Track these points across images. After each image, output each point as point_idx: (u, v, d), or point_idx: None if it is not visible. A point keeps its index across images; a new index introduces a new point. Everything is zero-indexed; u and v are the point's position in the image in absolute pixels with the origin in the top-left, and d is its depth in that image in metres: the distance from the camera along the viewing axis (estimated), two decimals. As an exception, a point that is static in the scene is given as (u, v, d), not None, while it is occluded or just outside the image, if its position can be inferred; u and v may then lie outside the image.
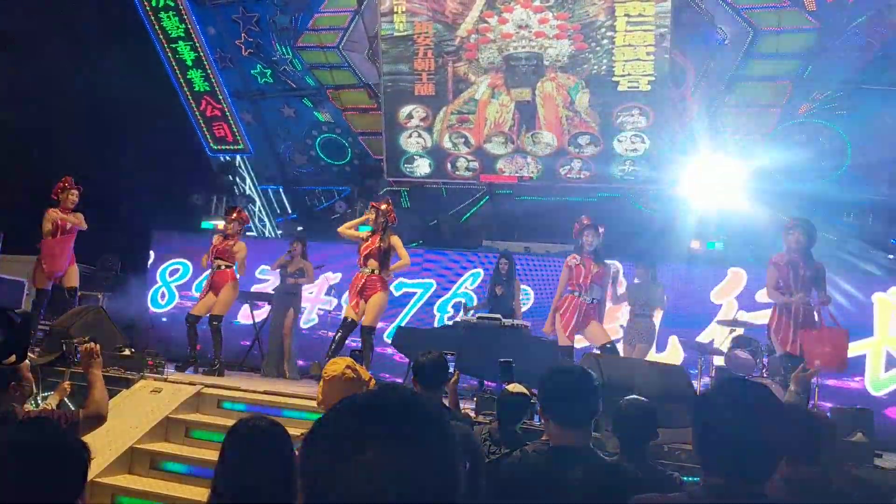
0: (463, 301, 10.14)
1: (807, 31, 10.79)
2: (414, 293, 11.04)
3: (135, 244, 12.80)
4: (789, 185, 11.42)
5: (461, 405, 5.60)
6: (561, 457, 2.57)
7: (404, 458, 0.99)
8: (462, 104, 11.98)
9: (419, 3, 11.48)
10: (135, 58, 13.13)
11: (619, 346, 8.91)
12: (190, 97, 13.60)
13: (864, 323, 8.98)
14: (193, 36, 13.08)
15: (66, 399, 5.73)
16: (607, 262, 7.78)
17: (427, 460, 1.01)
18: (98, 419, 3.73)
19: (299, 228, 13.62)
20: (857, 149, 11.04)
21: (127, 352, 7.88)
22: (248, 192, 14.02)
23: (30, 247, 11.91)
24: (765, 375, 8.02)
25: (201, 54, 13.21)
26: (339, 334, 8.01)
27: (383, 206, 8.26)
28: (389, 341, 10.55)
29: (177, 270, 12.23)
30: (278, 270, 10.36)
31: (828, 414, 7.08)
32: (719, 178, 11.41)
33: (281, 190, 14.40)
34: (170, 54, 13.29)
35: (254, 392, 7.21)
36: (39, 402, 5.86)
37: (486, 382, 8.44)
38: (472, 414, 6.03)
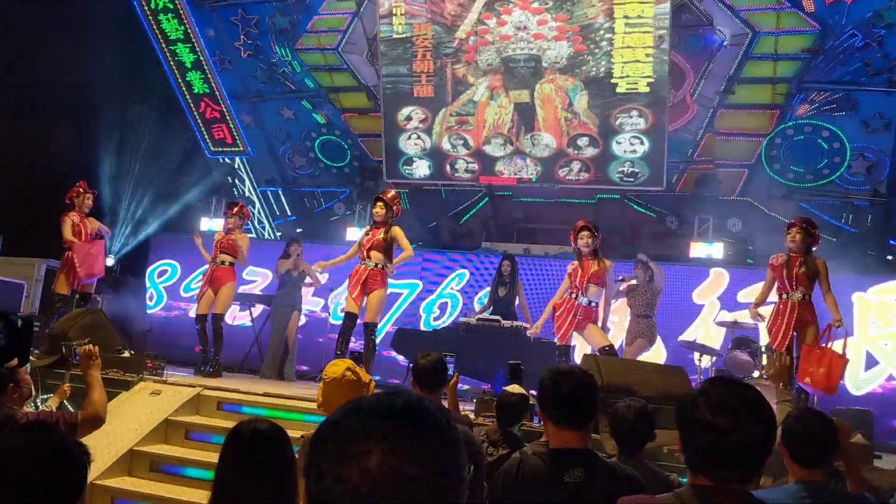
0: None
1: (805, 32, 10.81)
2: (400, 294, 11.09)
3: (134, 246, 12.83)
4: (788, 186, 11.46)
5: (461, 407, 5.60)
6: (560, 459, 2.56)
7: (409, 463, 0.99)
8: (461, 106, 11.99)
9: (418, 6, 11.49)
10: (134, 59, 13.14)
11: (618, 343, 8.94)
12: (189, 99, 13.60)
13: (845, 322, 8.99)
14: (192, 38, 13.09)
15: (65, 401, 5.73)
16: (605, 260, 7.71)
17: (432, 464, 1.01)
18: (97, 421, 3.73)
19: (298, 230, 13.63)
20: (856, 150, 11.05)
21: (126, 354, 7.87)
22: (247, 193, 14.03)
23: (29, 249, 11.93)
24: (764, 376, 8.01)
25: (200, 56, 13.22)
26: (344, 330, 7.97)
27: (390, 195, 8.20)
28: (377, 340, 10.63)
29: (165, 272, 12.24)
30: (279, 273, 10.36)
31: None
32: (718, 180, 11.45)
33: (280, 192, 14.41)
34: (169, 56, 13.30)
35: (254, 394, 7.21)
36: (39, 404, 5.85)
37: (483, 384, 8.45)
38: (472, 416, 6.02)
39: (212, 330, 8.88)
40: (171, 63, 13.34)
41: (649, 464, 3.57)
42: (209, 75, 13.34)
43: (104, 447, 6.16)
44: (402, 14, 11.57)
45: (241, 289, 11.05)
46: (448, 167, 12.45)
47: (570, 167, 11.85)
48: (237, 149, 13.84)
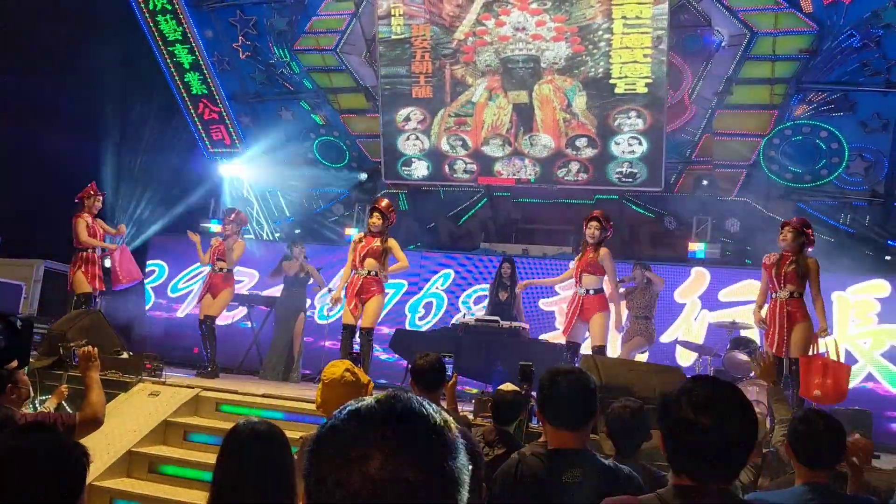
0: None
1: (803, 32, 10.82)
2: (386, 293, 11.08)
3: (133, 248, 12.79)
4: (786, 186, 11.46)
5: (460, 407, 5.60)
6: (558, 459, 2.57)
7: (409, 467, 0.99)
8: (460, 107, 11.99)
9: (416, 6, 11.50)
10: (132, 60, 13.14)
11: (619, 344, 8.93)
12: (187, 100, 13.60)
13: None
14: (191, 39, 13.09)
15: (63, 402, 5.73)
16: (602, 250, 7.65)
17: (432, 468, 1.01)
18: (95, 422, 3.72)
19: (297, 231, 13.63)
20: (854, 150, 11.06)
21: (125, 355, 7.86)
22: (245, 195, 14.01)
23: (27, 250, 11.92)
24: (751, 375, 8.05)
25: (199, 57, 13.22)
26: (344, 341, 7.95)
27: (384, 203, 8.19)
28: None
29: (153, 272, 12.25)
30: (286, 275, 10.37)
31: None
32: (716, 181, 11.45)
33: (278, 192, 14.40)
34: (167, 57, 13.29)
35: (252, 395, 7.21)
36: (37, 405, 5.85)
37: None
38: (471, 416, 6.02)
39: (206, 331, 8.92)
40: (170, 64, 13.34)
41: (646, 464, 3.56)
42: (207, 76, 13.34)
43: (103, 448, 6.16)
44: (400, 15, 11.57)
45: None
46: (447, 168, 12.45)
47: (569, 168, 11.86)
48: (236, 150, 13.84)
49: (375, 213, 7.96)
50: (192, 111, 13.67)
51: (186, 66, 13.31)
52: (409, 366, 5.65)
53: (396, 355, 9.88)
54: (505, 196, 13.01)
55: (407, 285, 11.10)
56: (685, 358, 9.66)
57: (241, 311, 11.31)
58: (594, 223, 7.62)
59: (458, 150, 12.28)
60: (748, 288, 9.72)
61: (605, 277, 7.64)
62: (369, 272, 7.87)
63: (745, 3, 10.84)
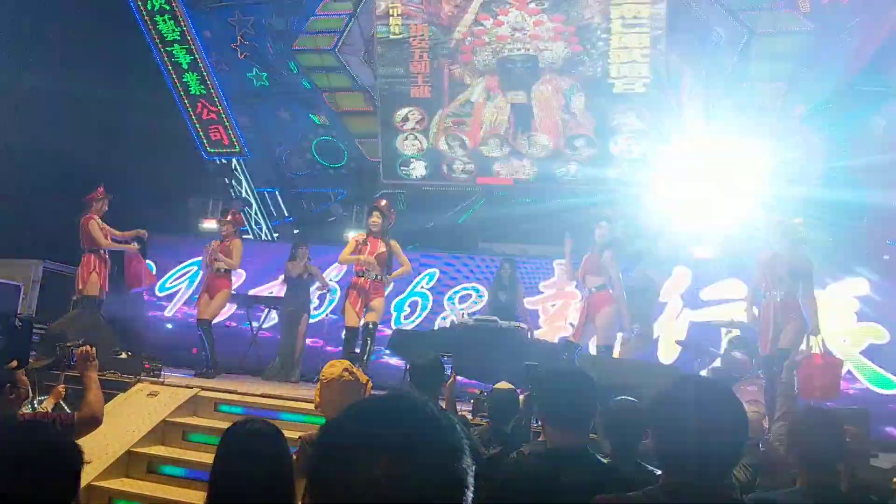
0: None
1: (802, 33, 10.82)
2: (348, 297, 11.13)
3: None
4: (784, 187, 11.45)
5: (458, 407, 5.60)
6: (557, 459, 2.57)
7: (415, 470, 0.99)
8: (458, 107, 11.98)
9: (414, 6, 11.49)
10: (130, 61, 13.13)
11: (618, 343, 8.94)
12: (186, 100, 13.59)
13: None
14: (189, 39, 13.07)
15: (61, 402, 5.72)
16: (607, 252, 7.64)
17: (437, 471, 1.01)
18: (93, 422, 3.73)
19: (296, 231, 13.63)
20: (852, 151, 11.05)
21: (123, 355, 7.86)
22: (244, 195, 14.00)
23: (26, 251, 11.91)
24: (760, 376, 8.01)
25: (197, 57, 13.20)
26: (347, 343, 7.94)
27: (383, 203, 8.18)
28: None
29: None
30: (283, 275, 10.39)
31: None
32: (715, 180, 11.44)
33: (277, 193, 14.40)
34: (165, 58, 13.28)
35: (251, 395, 7.21)
36: (35, 405, 5.84)
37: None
38: (469, 416, 6.03)
39: (203, 332, 8.93)
40: (168, 64, 13.33)
41: (644, 463, 3.57)
42: (206, 76, 13.32)
43: (101, 448, 6.16)
44: (398, 15, 11.57)
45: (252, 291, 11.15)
46: (445, 168, 12.45)
47: (567, 168, 11.86)
48: (234, 150, 13.83)
49: (375, 213, 7.95)
50: (191, 111, 13.66)
51: (185, 66, 13.30)
52: (408, 365, 5.66)
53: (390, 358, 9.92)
54: (503, 196, 13.00)
55: (392, 284, 11.13)
56: (667, 356, 9.65)
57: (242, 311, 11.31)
58: (603, 223, 7.63)
59: (457, 150, 12.28)
60: (730, 287, 9.76)
61: (610, 277, 7.64)
62: (376, 276, 7.84)
63: (744, 3, 10.84)
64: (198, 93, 13.48)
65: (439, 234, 12.92)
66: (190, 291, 12.09)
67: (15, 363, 3.51)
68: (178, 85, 13.46)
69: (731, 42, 11.07)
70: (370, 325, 7.91)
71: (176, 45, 13.15)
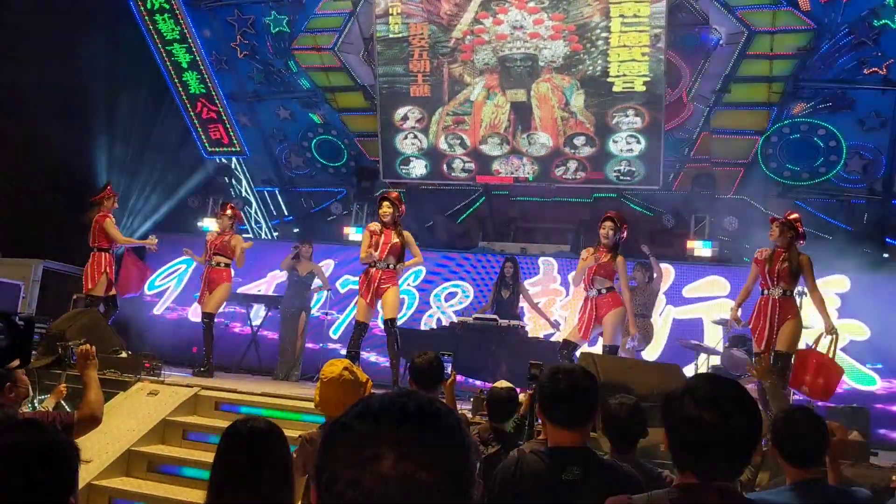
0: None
1: (801, 30, 10.83)
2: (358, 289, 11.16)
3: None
4: (785, 184, 11.47)
5: (459, 406, 5.60)
6: (558, 457, 2.56)
7: (422, 468, 0.99)
8: (458, 105, 11.98)
9: (414, 5, 11.49)
10: (130, 60, 13.12)
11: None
12: (185, 100, 13.59)
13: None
14: (189, 38, 13.08)
15: (62, 401, 5.73)
16: (619, 258, 7.57)
17: (444, 468, 1.01)
18: (93, 421, 3.72)
19: (295, 230, 13.63)
20: (852, 148, 11.07)
21: (123, 354, 7.87)
22: (244, 194, 14.01)
23: (25, 250, 11.90)
24: (747, 375, 8.03)
25: (197, 57, 13.21)
26: (355, 338, 7.90)
27: (394, 194, 8.15)
28: (335, 337, 10.71)
29: None
30: (286, 273, 10.40)
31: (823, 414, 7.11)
32: (714, 179, 11.45)
33: (277, 192, 14.40)
34: (165, 57, 13.28)
35: (251, 394, 7.21)
36: (36, 404, 5.85)
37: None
38: (470, 415, 6.03)
39: (203, 328, 8.92)
40: (168, 63, 13.33)
41: (643, 461, 3.57)
42: (206, 75, 13.33)
43: (102, 447, 6.17)
44: (398, 14, 11.57)
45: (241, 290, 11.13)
46: (445, 167, 12.45)
47: (567, 166, 11.86)
48: (234, 149, 13.83)
49: (385, 203, 7.88)
50: (191, 110, 13.66)
51: (184, 65, 13.30)
52: (408, 364, 5.66)
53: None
54: (503, 195, 13.01)
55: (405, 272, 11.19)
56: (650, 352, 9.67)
57: (254, 308, 11.33)
58: (608, 223, 7.48)
59: (457, 149, 12.28)
60: (712, 284, 9.77)
61: (617, 281, 7.58)
62: (388, 265, 7.81)
63: (743, 1, 10.84)
64: (197, 92, 13.48)
65: (438, 234, 12.93)
66: (178, 290, 12.11)
67: (17, 362, 3.50)
68: (178, 84, 13.46)
69: (731, 40, 11.08)
70: (389, 323, 7.80)
71: (175, 45, 13.15)
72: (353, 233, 12.66)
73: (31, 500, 1.79)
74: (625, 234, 7.62)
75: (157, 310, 12.09)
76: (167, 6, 12.83)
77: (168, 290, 12.16)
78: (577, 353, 7.46)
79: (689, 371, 7.82)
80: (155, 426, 6.67)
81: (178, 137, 13.88)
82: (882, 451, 6.94)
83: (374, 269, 7.79)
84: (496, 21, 11.26)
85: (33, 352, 7.09)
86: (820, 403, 7.17)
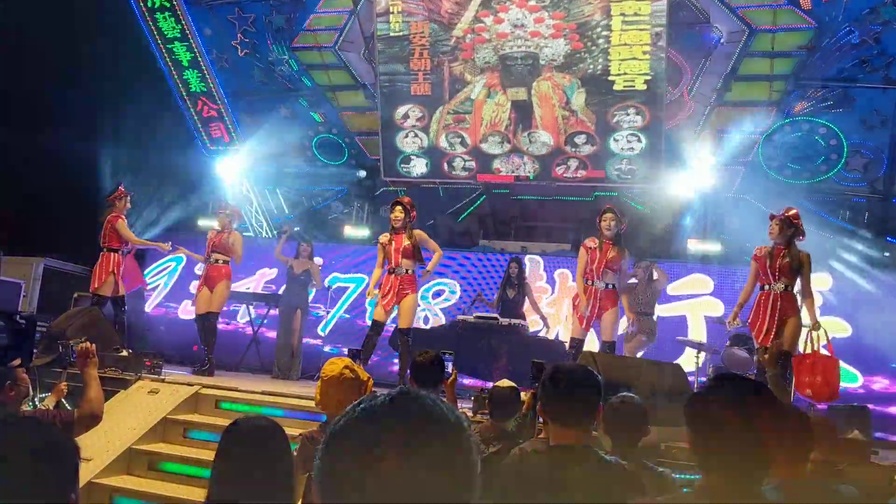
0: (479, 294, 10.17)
1: (802, 29, 10.82)
2: (347, 287, 11.29)
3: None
4: (785, 183, 11.46)
5: (459, 405, 5.60)
6: (559, 455, 2.56)
7: (425, 469, 0.99)
8: (458, 104, 11.98)
9: (415, 4, 11.48)
10: (131, 58, 13.12)
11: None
12: (186, 98, 13.59)
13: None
14: (189, 36, 13.07)
15: (63, 400, 5.73)
16: (625, 249, 7.66)
17: (447, 469, 1.00)
18: (93, 419, 3.72)
19: (296, 229, 13.62)
20: (853, 147, 11.06)
21: (124, 353, 7.87)
22: (245, 192, 14.00)
23: (26, 248, 11.91)
24: (752, 370, 8.04)
25: (197, 55, 13.20)
26: (369, 338, 7.88)
27: (407, 199, 8.12)
28: (324, 335, 10.71)
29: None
30: (275, 272, 10.43)
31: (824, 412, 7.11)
32: (716, 177, 11.44)
33: (278, 190, 14.39)
34: (166, 55, 13.28)
35: (252, 392, 7.21)
36: (37, 403, 5.85)
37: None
38: (470, 413, 6.03)
39: (206, 328, 8.91)
40: (168, 61, 13.33)
41: (644, 460, 3.56)
42: (206, 74, 13.32)
43: (103, 446, 6.17)
44: (398, 12, 11.57)
45: (194, 284, 11.20)
46: (445, 165, 12.45)
47: (568, 165, 11.86)
48: (235, 147, 13.82)
49: (398, 207, 7.86)
50: (191, 109, 13.66)
51: (185, 63, 13.30)
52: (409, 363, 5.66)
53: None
54: (504, 193, 13.01)
55: (367, 279, 11.19)
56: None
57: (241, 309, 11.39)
58: (609, 214, 7.58)
59: (457, 148, 12.28)
60: (695, 282, 9.78)
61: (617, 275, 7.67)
62: (406, 271, 7.79)
63: (744, 0, 10.84)
64: (198, 90, 13.48)
65: (439, 233, 12.92)
66: (168, 288, 12.11)
67: (18, 361, 3.51)
68: (179, 82, 13.46)
69: (732, 38, 11.07)
70: (403, 333, 7.77)
71: (176, 43, 13.15)
72: (353, 231, 12.68)
73: (31, 499, 1.79)
74: (624, 227, 7.70)
75: (148, 307, 12.11)
76: (168, 4, 12.82)
77: (158, 287, 12.19)
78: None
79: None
80: (155, 424, 6.66)
81: (179, 136, 13.87)
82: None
83: (394, 275, 7.76)
84: (497, 19, 11.25)
85: (34, 350, 7.10)
86: (822, 407, 7.17)
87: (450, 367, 4.92)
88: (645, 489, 2.55)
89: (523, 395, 4.66)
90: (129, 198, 9.02)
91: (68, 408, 5.18)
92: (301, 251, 10.30)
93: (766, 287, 6.85)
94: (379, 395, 1.09)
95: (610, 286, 7.53)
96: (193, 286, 11.75)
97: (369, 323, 10.64)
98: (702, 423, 1.90)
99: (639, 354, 8.73)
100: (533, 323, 9.96)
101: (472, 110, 11.96)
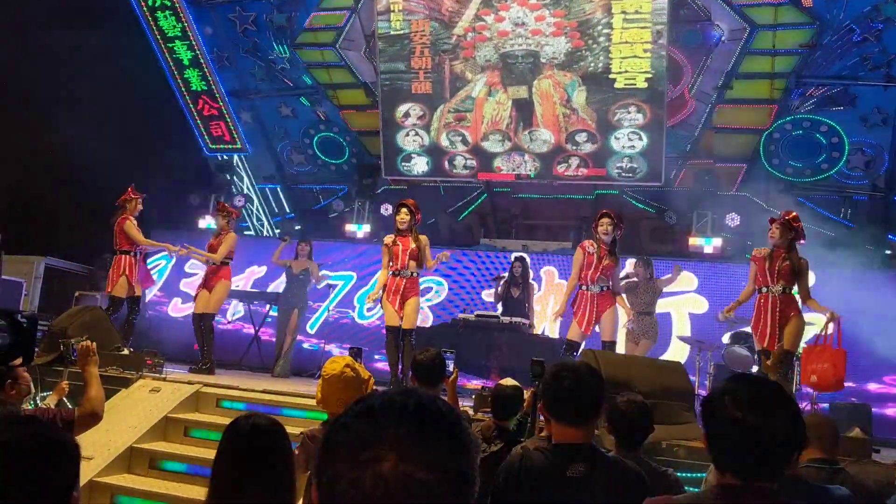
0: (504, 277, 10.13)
1: (803, 27, 10.81)
2: (335, 285, 11.28)
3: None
4: (787, 181, 11.46)
5: (460, 403, 5.60)
6: (562, 453, 2.56)
7: (423, 468, 0.98)
8: (459, 102, 11.97)
9: (416, 2, 11.48)
10: (131, 57, 13.12)
11: (623, 344, 8.91)
12: (187, 97, 13.59)
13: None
14: (190, 35, 13.07)
15: (64, 398, 5.73)
16: (617, 257, 7.66)
17: (446, 468, 1.00)
18: (94, 417, 3.72)
19: (297, 227, 13.63)
20: (854, 144, 11.05)
21: (125, 351, 7.87)
22: (245, 191, 14.01)
23: (27, 247, 11.92)
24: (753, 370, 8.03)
25: (198, 53, 13.21)
26: (389, 343, 7.87)
27: (412, 201, 8.13)
28: (311, 332, 10.75)
29: None
30: (284, 270, 10.43)
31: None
32: (716, 175, 11.44)
33: (279, 189, 14.40)
34: (167, 54, 13.28)
35: (252, 391, 7.20)
36: (38, 401, 5.85)
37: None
38: (471, 411, 6.03)
39: (202, 329, 8.91)
40: (169, 60, 13.33)
41: (647, 459, 3.56)
42: (207, 72, 13.32)
43: (104, 445, 6.17)
44: (399, 11, 11.56)
45: (183, 281, 11.23)
46: (446, 164, 12.45)
47: (569, 163, 11.85)
48: (235, 146, 13.83)
49: (403, 210, 7.86)
50: (192, 107, 13.66)
51: (186, 62, 13.30)
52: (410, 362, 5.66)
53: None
54: (505, 192, 13.01)
55: (356, 277, 11.31)
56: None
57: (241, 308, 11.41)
58: (606, 220, 7.50)
59: (458, 146, 12.28)
60: (680, 279, 9.77)
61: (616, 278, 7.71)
62: (411, 273, 7.79)
63: (745, -2, 10.85)
64: (199, 89, 13.48)
65: (440, 231, 12.93)
66: (160, 284, 12.10)
67: (19, 360, 3.50)
68: (180, 81, 13.46)
69: (733, 36, 11.07)
70: (406, 334, 7.79)
71: (177, 42, 13.15)
72: (354, 230, 12.68)
73: (32, 498, 1.79)
74: (621, 232, 7.65)
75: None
76: (168, 3, 12.82)
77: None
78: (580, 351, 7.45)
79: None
80: (157, 423, 6.66)
81: (180, 134, 13.87)
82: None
83: (399, 277, 7.76)
84: (498, 18, 11.25)
85: (35, 349, 7.09)
86: (824, 405, 7.17)
87: (451, 366, 4.92)
88: (649, 488, 2.54)
89: (524, 394, 4.65)
90: (140, 199, 9.00)
91: (69, 406, 5.17)
92: (300, 251, 10.32)
93: (765, 289, 6.84)
94: (379, 393, 1.09)
95: (605, 289, 7.53)
96: (183, 284, 11.83)
97: (362, 322, 10.67)
98: (719, 424, 1.90)
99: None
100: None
101: (472, 108, 11.95)
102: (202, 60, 13.25)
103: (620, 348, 8.21)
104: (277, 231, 14.04)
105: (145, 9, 12.94)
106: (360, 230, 12.71)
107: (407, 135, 12.41)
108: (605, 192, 12.24)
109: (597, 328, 7.64)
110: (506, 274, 9.84)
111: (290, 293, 10.26)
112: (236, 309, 11.41)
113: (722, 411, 1.88)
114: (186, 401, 7.00)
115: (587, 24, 10.96)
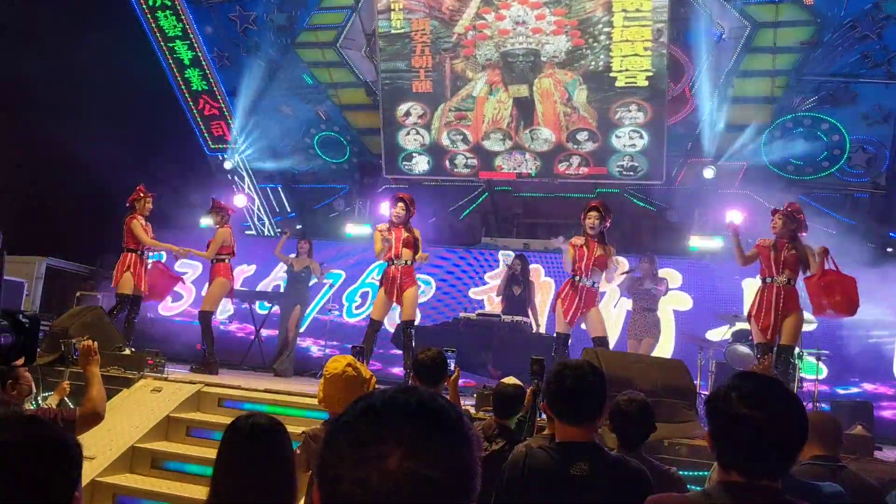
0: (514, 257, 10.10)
1: (804, 24, 10.80)
2: (325, 283, 11.29)
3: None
4: (788, 178, 11.45)
5: (462, 402, 5.60)
6: (565, 452, 2.56)
7: (427, 464, 0.98)
8: (460, 101, 11.97)
9: (416, 1, 11.47)
10: (132, 57, 13.12)
11: (626, 341, 8.90)
12: (188, 96, 13.59)
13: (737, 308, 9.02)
14: (191, 35, 13.08)
15: (65, 398, 5.74)
16: (611, 246, 7.69)
17: (449, 465, 1.00)
18: (95, 417, 3.71)
19: (298, 227, 13.62)
20: (855, 142, 11.04)
21: (127, 351, 7.87)
22: (247, 190, 14.01)
23: (29, 247, 11.92)
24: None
25: (199, 53, 13.21)
26: (369, 337, 7.87)
27: (408, 196, 8.15)
28: (301, 330, 10.80)
29: None
30: (286, 269, 10.45)
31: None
32: (718, 173, 11.43)
33: (280, 188, 14.39)
34: (167, 53, 13.28)
35: (254, 390, 7.20)
36: (40, 401, 5.86)
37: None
38: (473, 410, 6.03)
39: (201, 326, 8.91)
40: (170, 60, 13.33)
41: (649, 457, 3.56)
42: (208, 72, 13.33)
43: (105, 444, 6.17)
44: (400, 9, 11.55)
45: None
46: (447, 162, 12.44)
47: (570, 161, 11.85)
48: (236, 146, 13.82)
49: (400, 204, 7.91)
50: (193, 107, 13.66)
51: (186, 62, 13.30)
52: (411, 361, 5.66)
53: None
54: (506, 190, 13.00)
55: (345, 275, 11.30)
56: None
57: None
58: (594, 213, 7.56)
59: (459, 145, 12.27)
60: (665, 276, 9.77)
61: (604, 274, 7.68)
62: (406, 262, 7.81)
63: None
64: (199, 88, 13.49)
65: (441, 230, 12.93)
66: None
67: (21, 360, 3.50)
68: (180, 81, 13.46)
69: (734, 34, 11.05)
70: (407, 325, 7.79)
71: (177, 41, 13.15)
72: (355, 228, 12.67)
73: (34, 498, 1.79)
74: (608, 224, 7.65)
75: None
76: (169, 3, 12.82)
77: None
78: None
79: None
80: (158, 423, 6.66)
81: (181, 134, 13.88)
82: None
83: (394, 266, 7.78)
84: (498, 16, 11.24)
85: (37, 349, 7.09)
86: (824, 405, 7.17)
87: (452, 365, 4.91)
88: (652, 487, 2.54)
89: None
90: (150, 198, 8.99)
91: (71, 406, 5.18)
92: (300, 249, 10.33)
93: (769, 279, 6.83)
94: (379, 391, 1.09)
95: (595, 285, 7.54)
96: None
97: (350, 320, 10.65)
98: (724, 422, 1.90)
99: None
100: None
101: (473, 107, 11.95)
102: (203, 60, 13.25)
103: (621, 347, 8.21)
104: (278, 231, 14.04)
105: (145, 9, 12.94)
106: (361, 229, 12.71)
107: (408, 134, 12.40)
108: (606, 190, 12.23)
109: (582, 325, 7.66)
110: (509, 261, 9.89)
111: (292, 291, 10.29)
112: (225, 307, 11.31)
113: (728, 409, 1.88)
114: (188, 400, 7.00)
115: (588, 23, 10.95)
